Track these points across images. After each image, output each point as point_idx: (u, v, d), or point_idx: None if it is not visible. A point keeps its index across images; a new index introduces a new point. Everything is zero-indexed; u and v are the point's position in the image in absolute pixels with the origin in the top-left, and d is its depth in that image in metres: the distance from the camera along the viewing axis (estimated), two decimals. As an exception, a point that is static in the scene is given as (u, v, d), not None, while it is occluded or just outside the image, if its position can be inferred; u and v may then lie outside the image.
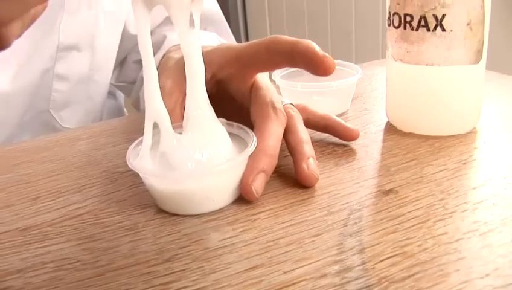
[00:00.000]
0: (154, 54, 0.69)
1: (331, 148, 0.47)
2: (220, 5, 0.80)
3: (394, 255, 0.31)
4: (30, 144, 0.54)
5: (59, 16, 0.62)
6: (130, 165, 0.37)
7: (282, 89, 0.56)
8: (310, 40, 0.39)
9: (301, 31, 2.04)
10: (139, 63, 0.73)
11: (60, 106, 0.68)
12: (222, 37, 0.79)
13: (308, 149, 0.41)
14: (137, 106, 0.76)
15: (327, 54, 0.39)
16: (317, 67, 0.39)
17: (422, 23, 0.45)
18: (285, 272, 0.30)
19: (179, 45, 0.61)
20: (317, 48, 0.39)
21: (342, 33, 1.84)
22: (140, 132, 0.54)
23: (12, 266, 0.33)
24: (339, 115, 0.55)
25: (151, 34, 0.74)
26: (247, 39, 2.35)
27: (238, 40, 0.84)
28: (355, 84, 0.56)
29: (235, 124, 0.42)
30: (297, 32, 2.06)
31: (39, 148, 0.53)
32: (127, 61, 0.77)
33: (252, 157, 0.38)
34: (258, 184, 0.38)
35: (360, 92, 0.63)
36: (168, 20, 0.74)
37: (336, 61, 0.59)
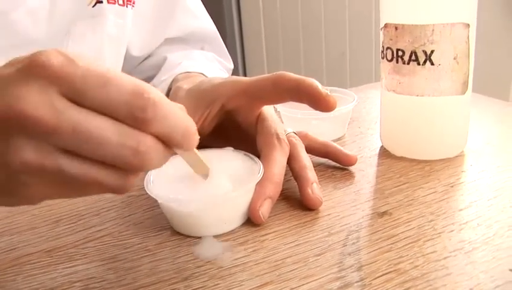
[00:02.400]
0: (154, 74, 0.73)
1: (330, 172, 0.51)
2: (215, 24, 0.84)
3: (389, 272, 0.35)
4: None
5: (64, 43, 0.64)
6: (148, 192, 0.41)
7: (283, 116, 0.60)
8: (313, 79, 0.44)
9: (296, 50, 2.08)
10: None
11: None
12: (219, 56, 0.83)
13: (311, 175, 0.45)
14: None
15: (329, 93, 0.43)
16: (320, 104, 0.43)
17: (413, 57, 0.49)
18: (292, 289, 0.34)
19: (186, 72, 0.66)
20: (320, 87, 0.43)
21: (336, 53, 1.89)
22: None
23: (43, 285, 0.37)
24: (337, 139, 0.59)
25: (151, 56, 0.78)
26: (243, 58, 2.39)
27: (234, 58, 0.88)
28: (351, 111, 0.60)
29: (242, 151, 0.46)
30: (292, 51, 2.11)
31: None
32: None
33: (259, 184, 0.42)
34: (265, 209, 0.41)
35: (356, 116, 0.67)
36: (168, 41, 0.78)
37: (333, 88, 0.64)
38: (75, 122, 0.26)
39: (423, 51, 0.48)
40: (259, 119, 0.47)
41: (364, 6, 1.71)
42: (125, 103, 0.27)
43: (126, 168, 0.28)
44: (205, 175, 0.40)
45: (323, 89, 0.43)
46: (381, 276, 0.35)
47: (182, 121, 0.29)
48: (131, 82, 0.27)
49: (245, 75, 2.41)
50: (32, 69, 0.26)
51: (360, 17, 1.74)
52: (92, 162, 0.27)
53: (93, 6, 0.65)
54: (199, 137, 0.31)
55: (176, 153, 0.32)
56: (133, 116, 0.27)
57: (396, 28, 0.49)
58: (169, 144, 0.29)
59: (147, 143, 0.27)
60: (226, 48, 0.85)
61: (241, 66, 2.40)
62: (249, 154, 0.45)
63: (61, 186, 0.28)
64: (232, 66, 0.86)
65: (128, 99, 0.26)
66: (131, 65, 0.77)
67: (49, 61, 0.26)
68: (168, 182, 0.42)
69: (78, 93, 0.26)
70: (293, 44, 2.09)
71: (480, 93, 0.73)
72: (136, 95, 0.27)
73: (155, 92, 0.28)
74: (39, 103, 0.25)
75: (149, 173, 0.43)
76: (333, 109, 0.43)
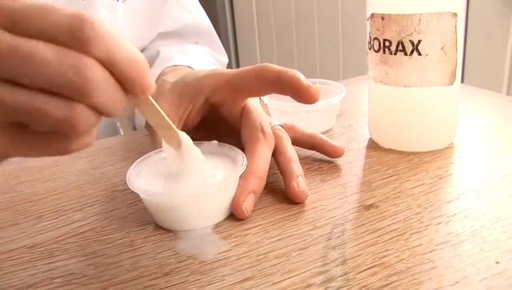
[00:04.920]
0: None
1: (317, 164, 0.50)
2: (208, 18, 0.84)
3: (373, 266, 0.34)
4: (30, 163, 0.57)
5: None
6: (129, 186, 0.40)
7: (270, 108, 0.59)
8: (296, 70, 0.43)
9: (289, 42, 2.07)
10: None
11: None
12: (213, 50, 0.82)
13: (297, 168, 0.44)
14: (133, 119, 0.79)
15: (311, 84, 0.42)
16: (302, 96, 0.42)
17: (400, 48, 0.48)
18: (274, 283, 0.33)
19: (173, 66, 0.65)
20: (302, 78, 0.42)
21: (329, 45, 1.88)
22: (136, 150, 0.57)
23: (22, 282, 0.36)
24: (325, 132, 0.59)
25: (144, 50, 0.78)
26: (236, 51, 2.39)
27: (227, 52, 0.87)
28: (339, 103, 0.60)
29: (226, 145, 0.45)
30: (285, 43, 2.10)
31: (39, 167, 0.55)
32: None
33: (243, 178, 0.41)
34: (248, 204, 0.41)
35: (345, 108, 0.66)
36: (161, 36, 0.77)
37: (321, 80, 0.63)
38: (10, 45, 0.24)
39: (410, 41, 0.47)
40: (244, 111, 0.47)
41: (357, -2, 1.70)
42: (65, 25, 0.25)
43: (69, 92, 0.26)
44: (175, 143, 0.38)
45: (305, 80, 0.42)
46: (365, 270, 0.34)
47: (128, 48, 0.27)
48: (71, 10, 0.26)
49: (238, 68, 2.40)
50: None
51: (353, 9, 1.73)
52: (35, 90, 0.26)
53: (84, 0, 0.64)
54: (155, 85, 0.30)
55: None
56: (72, 36, 0.25)
57: (382, 18, 0.48)
58: (117, 75, 0.27)
59: (89, 63, 0.26)
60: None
61: (234, 60, 2.39)
62: (233, 147, 0.44)
63: (7, 127, 0.27)
64: (226, 60, 0.86)
65: (68, 24, 0.25)
66: None
67: None
68: (151, 177, 0.42)
69: (16, 23, 0.25)
70: (286, 37, 2.08)
71: (474, 85, 0.73)
72: (75, 17, 0.25)
73: (97, 17, 0.26)
74: None
75: (131, 167, 0.42)
76: (316, 101, 0.43)
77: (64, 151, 0.28)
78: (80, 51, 0.25)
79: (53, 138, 0.27)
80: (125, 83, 0.27)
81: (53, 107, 0.25)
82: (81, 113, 0.26)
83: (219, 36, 0.86)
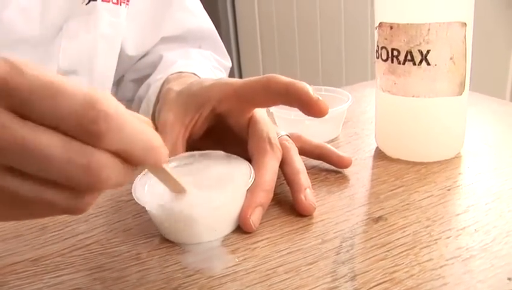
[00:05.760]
0: (151, 73, 0.72)
1: (324, 175, 0.50)
2: (211, 20, 0.83)
3: (384, 282, 0.34)
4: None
5: (57, 42, 0.63)
6: (136, 199, 0.39)
7: (276, 117, 0.58)
8: (304, 83, 0.42)
9: (291, 45, 2.07)
10: (136, 82, 0.75)
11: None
12: (217, 54, 0.82)
13: (304, 180, 0.44)
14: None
15: (320, 98, 0.42)
16: (310, 109, 0.42)
17: (409, 57, 0.48)
18: (284, 300, 0.33)
19: (178, 73, 0.65)
20: (311, 91, 0.42)
21: (332, 48, 1.88)
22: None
23: (28, 297, 0.35)
24: (331, 141, 0.58)
25: (147, 54, 0.77)
26: (238, 56, 2.38)
27: (230, 55, 0.87)
28: (345, 111, 0.59)
29: (233, 156, 0.44)
30: (287, 46, 2.10)
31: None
32: (124, 80, 0.79)
33: (250, 191, 0.41)
34: (255, 217, 0.40)
35: (351, 116, 0.65)
36: (164, 40, 0.77)
37: (327, 88, 0.62)
38: (19, 138, 0.24)
39: (419, 50, 0.47)
40: (251, 122, 0.46)
41: (360, 2, 1.69)
42: (75, 115, 0.24)
43: (78, 188, 0.26)
44: (182, 193, 0.39)
45: (314, 93, 0.42)
46: (375, 286, 0.34)
47: (142, 133, 0.27)
48: (82, 92, 0.24)
49: (240, 72, 2.40)
50: None
51: (356, 13, 1.73)
52: (41, 182, 0.25)
53: (87, 4, 0.64)
54: (168, 152, 0.29)
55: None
56: (84, 130, 0.24)
57: (391, 28, 0.48)
58: (129, 161, 0.27)
59: (100, 159, 0.25)
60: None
61: (236, 64, 2.38)
62: (240, 158, 0.44)
63: (12, 207, 0.26)
64: (230, 64, 0.85)
65: (78, 111, 0.24)
66: (127, 64, 0.76)
67: None
68: (157, 189, 0.41)
69: (24, 106, 0.24)
70: (288, 40, 2.08)
71: (477, 91, 0.72)
72: (87, 106, 0.24)
73: (109, 102, 0.25)
74: None
75: (136, 179, 0.42)
76: (325, 114, 0.42)
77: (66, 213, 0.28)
78: (91, 145, 0.25)
79: (53, 213, 0.28)
80: (139, 164, 0.28)
81: (61, 200, 0.26)
82: (90, 201, 0.26)
83: (221, 39, 0.85)
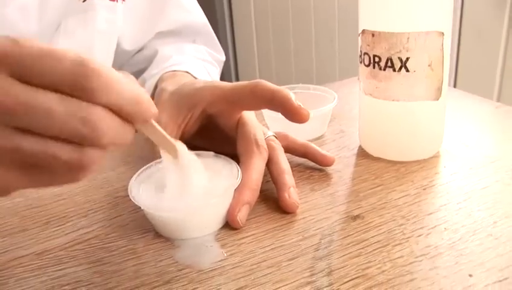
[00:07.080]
0: (146, 67, 0.75)
1: (308, 173, 0.53)
2: (205, 14, 0.86)
3: (356, 277, 0.37)
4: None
5: (55, 39, 0.66)
6: (132, 199, 0.43)
7: (265, 115, 0.61)
8: (288, 90, 0.45)
9: (286, 37, 2.09)
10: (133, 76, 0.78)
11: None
12: (211, 48, 0.84)
13: (289, 179, 0.47)
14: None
15: (302, 105, 0.45)
16: (292, 116, 0.45)
17: (389, 64, 0.50)
18: (265, 293, 0.37)
19: (173, 71, 0.67)
20: (293, 99, 0.45)
21: (325, 42, 1.90)
22: (136, 155, 0.60)
23: (34, 288, 0.39)
24: (317, 138, 0.61)
25: (143, 49, 0.79)
26: (234, 49, 2.40)
27: (224, 50, 0.89)
28: (331, 111, 0.62)
29: (222, 156, 0.48)
30: (282, 39, 2.12)
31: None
32: None
33: (238, 190, 0.44)
34: (242, 215, 0.44)
35: (338, 112, 0.68)
36: (159, 35, 0.79)
37: (315, 86, 0.65)
38: (22, 100, 0.27)
39: (399, 58, 0.50)
40: (239, 123, 0.49)
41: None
42: (69, 73, 0.27)
43: (80, 140, 0.28)
44: (173, 154, 0.41)
45: (296, 101, 0.45)
46: (349, 281, 0.37)
47: (130, 89, 0.29)
48: (73, 53, 0.27)
49: (236, 66, 2.42)
50: None
51: (349, 8, 1.75)
52: (47, 138, 0.28)
53: (84, 1, 0.66)
54: (157, 109, 0.32)
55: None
56: (78, 86, 0.27)
57: (373, 35, 0.50)
58: (123, 115, 0.29)
59: (97, 112, 0.28)
60: (217, 38, 0.87)
61: (232, 58, 2.40)
62: (228, 158, 0.47)
63: (22, 168, 0.29)
64: (223, 58, 0.88)
65: (71, 69, 0.27)
66: (122, 59, 0.78)
67: None
68: (152, 189, 0.45)
69: (24, 71, 0.27)
70: (284, 35, 2.10)
71: (466, 89, 0.75)
72: (78, 64, 0.27)
73: (98, 62, 0.28)
74: None
75: (132, 179, 0.45)
76: (306, 121, 0.45)
77: (72, 182, 0.30)
78: (86, 101, 0.28)
79: (61, 173, 0.30)
80: (131, 119, 0.30)
81: (64, 153, 0.28)
82: (92, 155, 0.29)
83: (217, 34, 0.88)
